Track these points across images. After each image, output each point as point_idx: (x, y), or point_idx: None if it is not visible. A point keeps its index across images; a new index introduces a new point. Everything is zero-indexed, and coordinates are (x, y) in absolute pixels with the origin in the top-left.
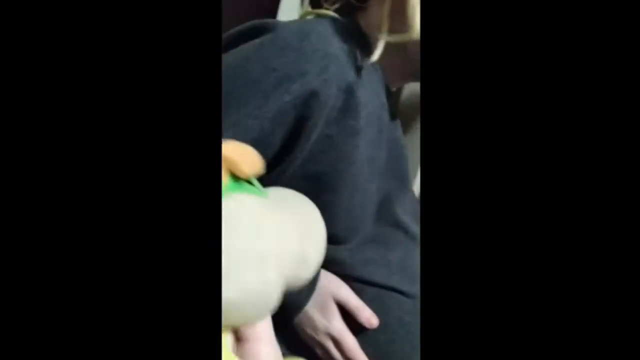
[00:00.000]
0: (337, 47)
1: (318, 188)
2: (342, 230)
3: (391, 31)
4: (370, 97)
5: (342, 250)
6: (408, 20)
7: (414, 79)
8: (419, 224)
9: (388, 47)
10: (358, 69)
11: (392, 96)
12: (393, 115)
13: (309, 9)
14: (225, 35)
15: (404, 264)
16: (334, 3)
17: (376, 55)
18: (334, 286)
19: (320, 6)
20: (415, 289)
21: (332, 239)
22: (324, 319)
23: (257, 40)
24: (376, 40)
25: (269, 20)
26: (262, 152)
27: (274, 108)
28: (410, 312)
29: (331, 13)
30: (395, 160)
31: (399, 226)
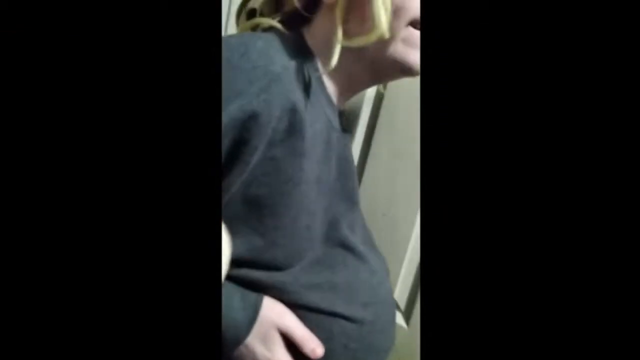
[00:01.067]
0: (279, 64)
1: (260, 212)
2: (286, 254)
3: (348, 36)
4: (317, 115)
5: (286, 276)
6: (372, 19)
7: (377, 82)
8: (368, 244)
9: (345, 54)
10: (303, 87)
11: (343, 110)
12: (343, 130)
13: (246, 21)
14: None
15: (351, 286)
16: (276, 12)
17: (334, 62)
18: (277, 315)
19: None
20: (362, 313)
21: (276, 265)
22: (267, 351)
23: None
24: (329, 49)
25: (227, 39)
26: None
27: (227, 131)
28: (356, 338)
29: (274, 23)
30: (344, 179)
31: (347, 247)
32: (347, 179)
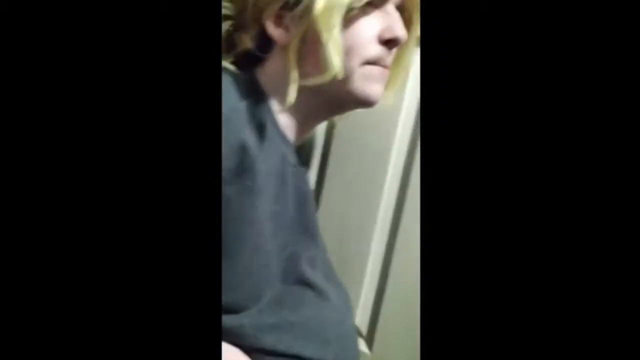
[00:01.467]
0: (228, 105)
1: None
2: (242, 296)
3: (303, 76)
4: (270, 152)
5: (243, 318)
6: (324, 61)
7: (336, 114)
8: (330, 278)
9: (301, 92)
10: (254, 126)
11: (302, 144)
12: (301, 164)
13: None
14: None
15: (310, 325)
16: (228, 52)
17: (290, 101)
18: None
19: None
20: (322, 351)
21: (232, 307)
22: None
23: None
24: (284, 89)
25: None
26: None
27: None
28: None
29: (227, 65)
30: (301, 214)
31: (306, 283)
32: (305, 214)
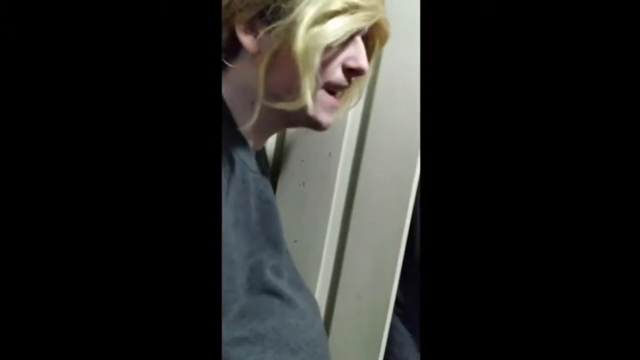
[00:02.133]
0: None
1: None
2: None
3: (267, 91)
4: (230, 159)
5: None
6: (297, 92)
7: (290, 127)
8: (297, 285)
9: (262, 106)
10: None
11: (261, 151)
12: (262, 171)
13: None
14: None
15: (278, 334)
16: None
17: (253, 120)
18: None
19: None
20: (294, 359)
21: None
22: None
23: None
24: (244, 101)
25: None
26: None
27: None
28: None
29: None
30: (265, 221)
31: (272, 292)
32: (269, 221)
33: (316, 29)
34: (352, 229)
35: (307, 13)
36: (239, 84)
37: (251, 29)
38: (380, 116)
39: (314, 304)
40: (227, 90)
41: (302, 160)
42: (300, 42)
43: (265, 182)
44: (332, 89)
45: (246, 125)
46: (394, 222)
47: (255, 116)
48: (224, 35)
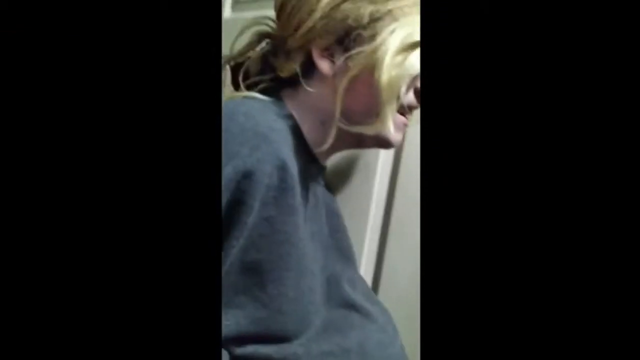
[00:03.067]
0: (265, 125)
1: (261, 279)
2: (293, 323)
3: (343, 113)
4: (303, 172)
5: (297, 347)
6: (378, 115)
7: (357, 148)
8: (371, 299)
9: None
10: (289, 146)
11: (323, 169)
12: (327, 188)
13: (232, 90)
14: None
15: (363, 349)
16: (256, 85)
17: (328, 143)
18: None
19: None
20: None
21: (284, 336)
22: None
23: None
24: (317, 122)
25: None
26: None
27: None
28: None
29: (255, 95)
30: (336, 234)
31: (351, 306)
32: (340, 234)
33: (400, 59)
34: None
35: (392, 43)
36: (311, 105)
37: (329, 53)
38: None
39: (390, 319)
40: (299, 110)
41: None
42: (385, 71)
43: (332, 197)
44: (404, 110)
45: (322, 147)
46: None
47: (331, 138)
48: (300, 58)
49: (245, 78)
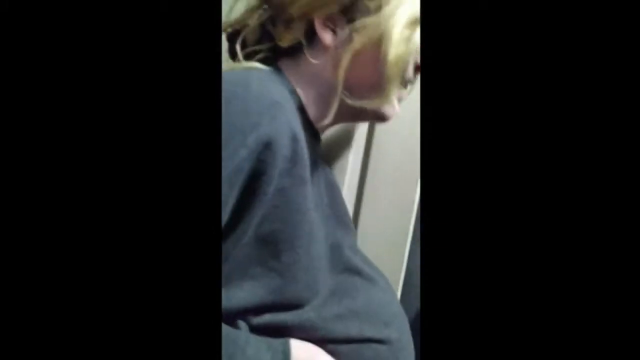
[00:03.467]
0: (278, 94)
1: (276, 249)
2: (305, 289)
3: (346, 88)
4: (308, 143)
5: (311, 312)
6: (382, 90)
7: (352, 122)
8: (368, 263)
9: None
10: (296, 116)
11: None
12: (323, 158)
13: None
14: None
15: (369, 309)
16: (254, 54)
17: (329, 118)
18: (308, 356)
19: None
20: (387, 332)
21: (298, 302)
22: None
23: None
24: (317, 92)
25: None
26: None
27: (230, 165)
28: (389, 358)
29: (256, 65)
30: (334, 203)
31: (353, 271)
32: (338, 203)
33: (408, 33)
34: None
35: (400, 16)
36: (312, 77)
37: (331, 23)
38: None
39: (387, 281)
40: (300, 81)
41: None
42: (393, 47)
43: (328, 168)
44: (404, 84)
45: (323, 121)
46: (405, 193)
47: (332, 111)
48: (301, 27)
49: (243, 47)
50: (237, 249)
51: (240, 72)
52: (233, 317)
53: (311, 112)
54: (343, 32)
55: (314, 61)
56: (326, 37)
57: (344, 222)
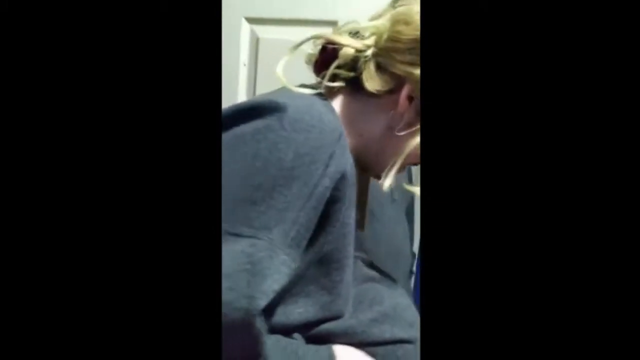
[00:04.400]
0: (340, 125)
1: (329, 268)
2: (344, 303)
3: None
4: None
5: (349, 321)
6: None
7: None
8: (380, 272)
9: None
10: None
11: None
12: None
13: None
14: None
15: (396, 313)
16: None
17: (388, 182)
18: (351, 358)
19: None
20: (412, 332)
21: (337, 314)
22: None
23: (268, 122)
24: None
25: (270, 99)
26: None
27: (316, 195)
28: (416, 356)
29: (308, 91)
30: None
31: (372, 280)
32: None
33: None
34: None
35: None
36: (355, 124)
37: (414, 97)
38: None
39: (398, 285)
40: (344, 122)
41: None
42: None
43: None
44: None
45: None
46: None
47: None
48: (392, 82)
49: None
50: (304, 270)
51: (305, 97)
52: (291, 331)
53: None
54: (412, 115)
55: (368, 111)
56: (403, 104)
57: (356, 236)
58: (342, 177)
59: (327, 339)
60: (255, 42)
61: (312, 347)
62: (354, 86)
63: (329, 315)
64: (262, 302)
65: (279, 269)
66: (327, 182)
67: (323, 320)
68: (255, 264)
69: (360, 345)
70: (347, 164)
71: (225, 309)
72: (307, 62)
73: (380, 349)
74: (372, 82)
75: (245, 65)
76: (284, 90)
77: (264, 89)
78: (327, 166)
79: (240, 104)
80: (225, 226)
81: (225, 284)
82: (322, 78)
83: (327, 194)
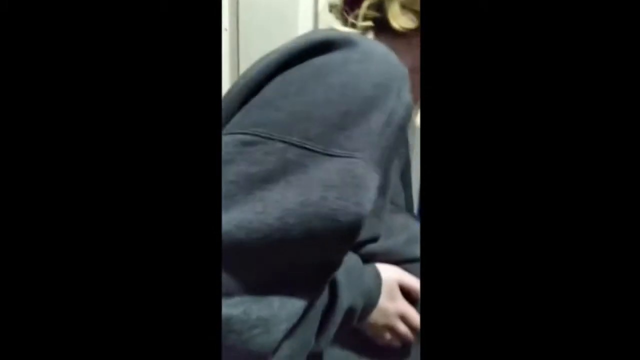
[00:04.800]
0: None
1: (381, 195)
2: (382, 225)
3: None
4: None
5: (387, 241)
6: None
7: None
8: None
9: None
10: None
11: None
12: None
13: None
14: (282, 50)
15: (417, 238)
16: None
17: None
18: (394, 273)
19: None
20: None
21: (377, 236)
22: (393, 304)
23: (346, 55)
24: None
25: (341, 35)
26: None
27: (396, 123)
28: None
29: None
30: None
31: (396, 208)
32: None
33: None
34: None
35: None
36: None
37: None
38: None
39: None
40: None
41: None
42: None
43: None
44: None
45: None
46: None
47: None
48: (417, 21)
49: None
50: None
51: (363, 39)
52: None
53: None
54: None
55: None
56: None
57: None
58: (409, 107)
59: (370, 258)
60: (236, 6)
61: (361, 266)
62: (381, 26)
63: (372, 237)
64: (367, 211)
65: (374, 185)
66: (401, 110)
67: (369, 240)
68: (356, 178)
69: (397, 263)
70: (410, 96)
71: (337, 215)
72: (330, 10)
73: (412, 266)
74: (397, 20)
75: (226, 30)
76: (331, 29)
77: (246, 53)
78: (399, 97)
79: (307, 38)
80: (317, 147)
81: (332, 194)
82: (355, 19)
83: (401, 122)
